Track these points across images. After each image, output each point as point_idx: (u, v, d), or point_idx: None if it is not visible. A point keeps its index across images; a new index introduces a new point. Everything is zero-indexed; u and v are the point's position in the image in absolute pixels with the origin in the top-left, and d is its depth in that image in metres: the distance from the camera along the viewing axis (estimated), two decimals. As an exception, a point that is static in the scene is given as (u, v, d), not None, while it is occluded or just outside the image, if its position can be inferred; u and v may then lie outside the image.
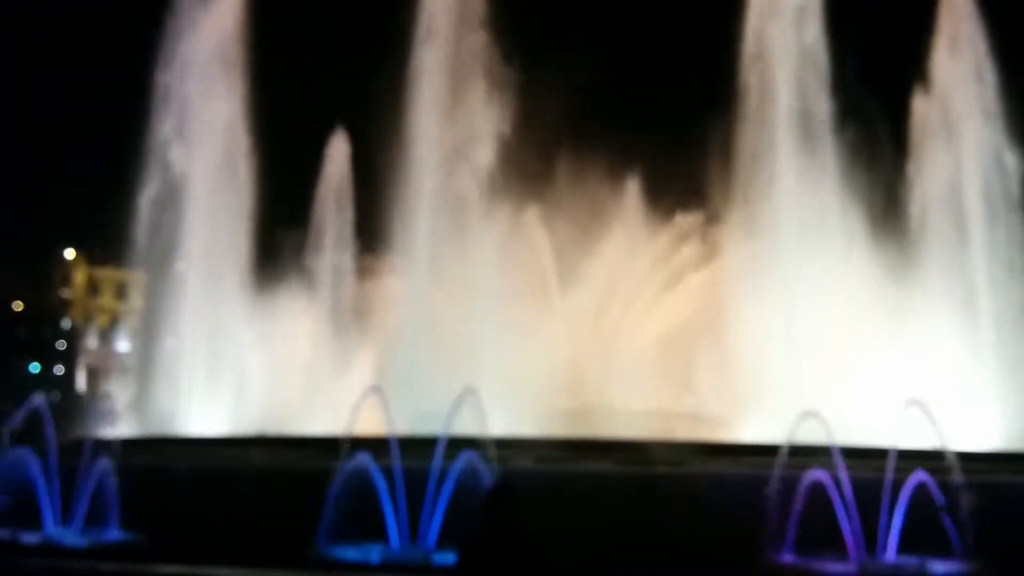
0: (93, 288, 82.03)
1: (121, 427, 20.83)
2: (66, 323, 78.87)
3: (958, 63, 27.28)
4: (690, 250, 30.93)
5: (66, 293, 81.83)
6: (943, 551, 15.50)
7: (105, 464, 17.74)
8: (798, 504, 15.75)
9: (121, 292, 77.71)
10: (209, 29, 28.84)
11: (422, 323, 25.78)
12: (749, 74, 26.76)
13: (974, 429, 21.16)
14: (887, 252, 26.64)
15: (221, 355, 26.95)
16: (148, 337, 28.58)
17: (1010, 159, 26.51)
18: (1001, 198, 26.49)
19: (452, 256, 26.70)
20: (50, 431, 19.24)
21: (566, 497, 16.77)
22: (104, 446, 18.39)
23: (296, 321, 29.36)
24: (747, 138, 26.51)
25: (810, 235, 25.90)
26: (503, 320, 25.79)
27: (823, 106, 26.48)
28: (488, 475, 16.00)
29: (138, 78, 28.24)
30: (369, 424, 17.89)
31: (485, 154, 27.18)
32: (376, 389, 18.30)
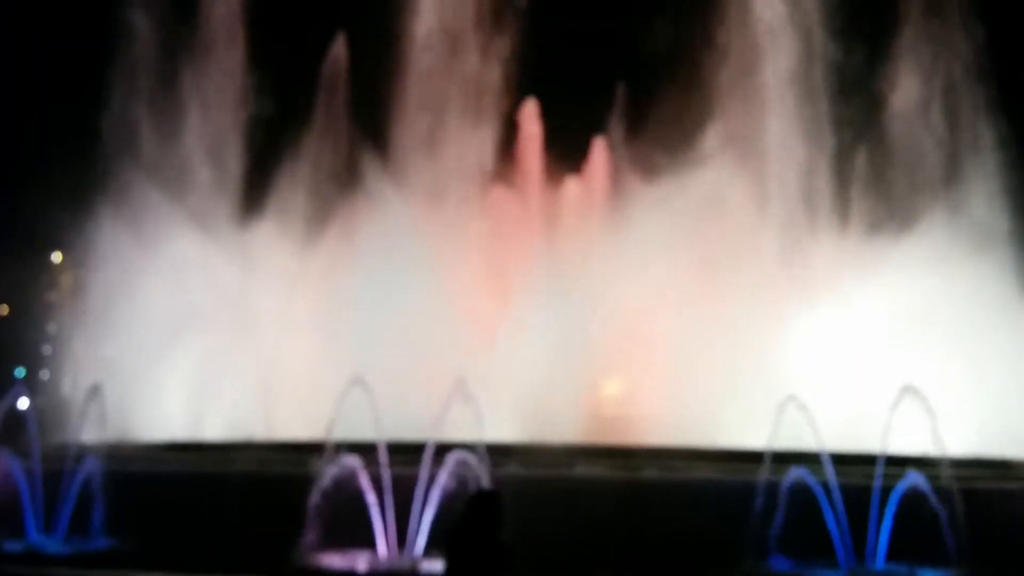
0: (80, 292, 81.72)
1: (107, 432, 20.64)
2: (52, 327, 78.50)
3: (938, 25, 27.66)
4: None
5: (52, 297, 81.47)
6: (932, 558, 15.47)
7: (90, 470, 17.59)
8: (785, 510, 15.71)
9: (107, 296, 77.31)
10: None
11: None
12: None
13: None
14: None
15: (208, 359, 26.75)
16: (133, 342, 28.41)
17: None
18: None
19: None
20: (34, 436, 19.08)
21: (555, 503, 16.69)
22: (89, 451, 18.23)
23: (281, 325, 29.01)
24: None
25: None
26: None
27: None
28: (479, 481, 15.93)
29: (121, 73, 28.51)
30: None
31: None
32: (360, 381, 17.65)
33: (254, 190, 30.16)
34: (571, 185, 30.24)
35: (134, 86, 29.32)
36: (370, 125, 29.94)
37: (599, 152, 30.40)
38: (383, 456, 16.56)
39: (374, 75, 29.58)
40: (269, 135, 30.43)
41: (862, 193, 28.11)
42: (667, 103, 28.37)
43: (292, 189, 29.87)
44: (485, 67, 30.10)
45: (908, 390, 17.24)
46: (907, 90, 28.28)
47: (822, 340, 25.57)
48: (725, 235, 26.41)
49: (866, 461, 16.87)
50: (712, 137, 27.70)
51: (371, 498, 16.42)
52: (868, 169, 28.32)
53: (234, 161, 30.16)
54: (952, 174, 27.99)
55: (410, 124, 29.79)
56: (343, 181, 29.36)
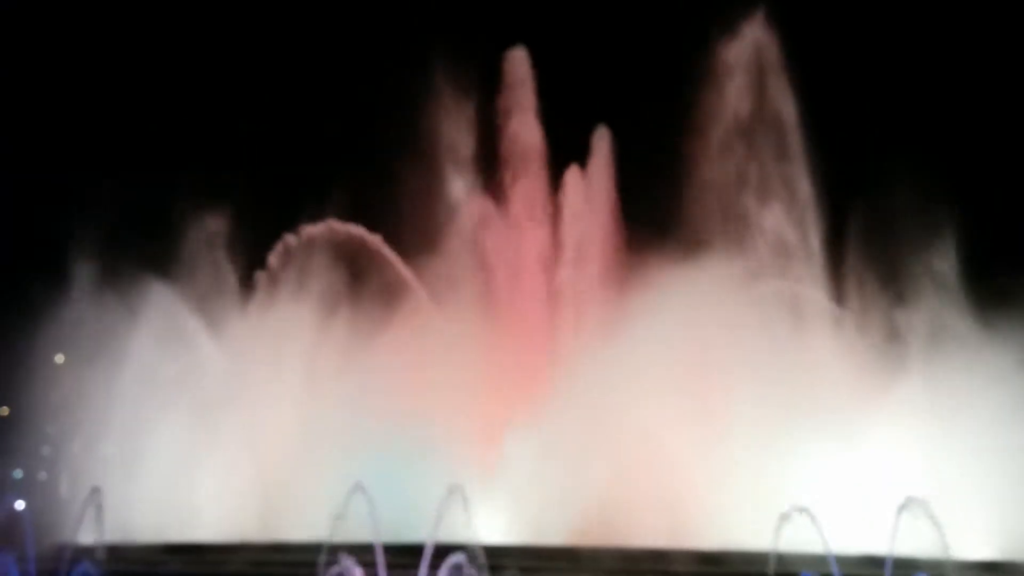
0: (81, 394, 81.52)
1: (105, 534, 20.47)
2: (52, 428, 78.16)
3: None
4: None
5: (53, 398, 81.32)
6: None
7: (85, 571, 17.40)
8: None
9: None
10: None
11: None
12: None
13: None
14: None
15: (207, 460, 26.60)
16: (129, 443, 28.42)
17: None
18: None
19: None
20: (30, 537, 18.92)
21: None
22: (85, 553, 18.07)
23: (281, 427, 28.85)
24: None
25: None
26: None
27: None
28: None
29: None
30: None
31: None
32: (360, 488, 17.68)
33: (257, 292, 30.30)
34: (572, 286, 30.44)
35: (133, 184, 29.78)
36: (381, 222, 30.26)
37: (597, 249, 30.78)
38: (380, 558, 16.38)
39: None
40: (276, 230, 30.67)
41: (865, 290, 28.20)
42: (659, 201, 28.85)
43: (296, 297, 30.03)
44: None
45: (911, 501, 17.09)
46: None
47: (827, 443, 25.33)
48: (725, 339, 26.38)
49: (873, 563, 16.67)
50: (707, 234, 28.09)
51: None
52: (870, 260, 28.49)
53: (239, 260, 30.36)
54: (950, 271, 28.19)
55: (421, 229, 30.19)
56: (349, 282, 29.56)
